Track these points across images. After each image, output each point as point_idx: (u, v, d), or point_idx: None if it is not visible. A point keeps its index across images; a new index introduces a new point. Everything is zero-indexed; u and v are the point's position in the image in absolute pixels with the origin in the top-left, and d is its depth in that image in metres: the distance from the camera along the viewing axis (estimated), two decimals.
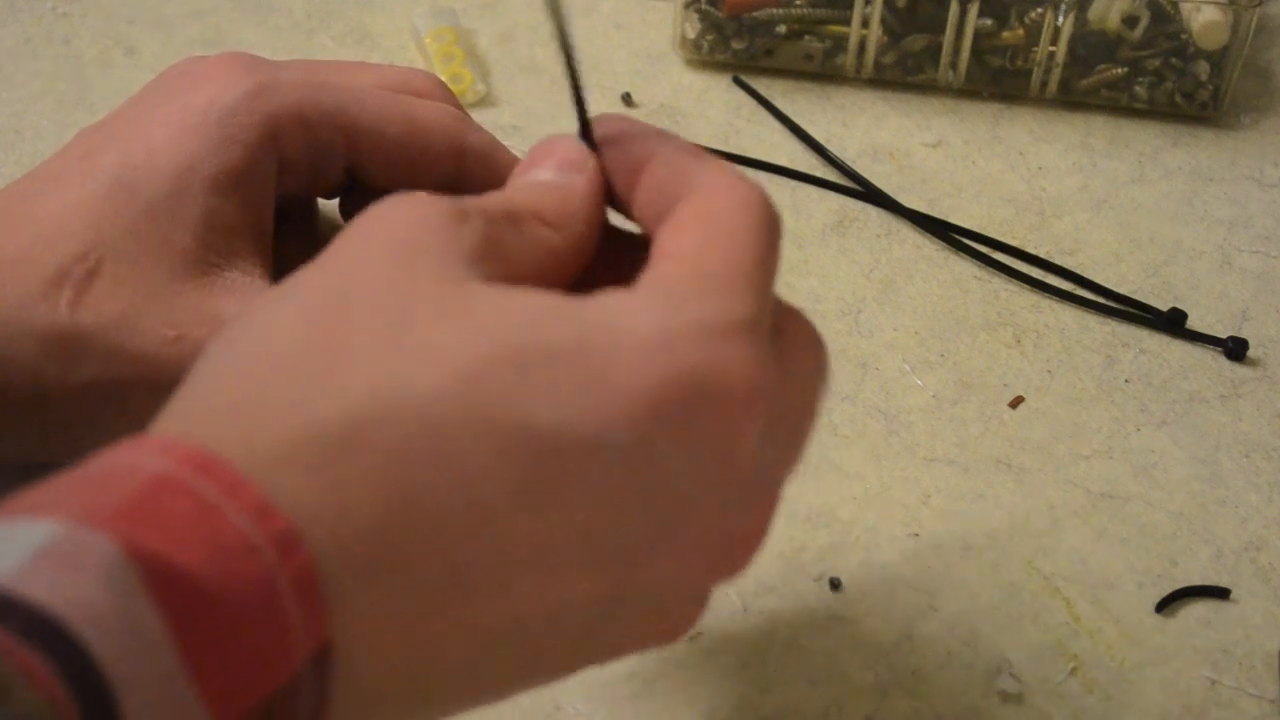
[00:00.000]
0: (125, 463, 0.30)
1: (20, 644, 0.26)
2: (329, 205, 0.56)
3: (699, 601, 0.38)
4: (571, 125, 0.39)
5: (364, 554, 0.31)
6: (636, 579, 0.35)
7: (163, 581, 0.28)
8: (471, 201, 0.36)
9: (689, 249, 0.35)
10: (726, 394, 0.33)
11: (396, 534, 0.31)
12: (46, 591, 0.27)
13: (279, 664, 0.30)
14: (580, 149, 0.39)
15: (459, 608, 0.33)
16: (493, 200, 0.37)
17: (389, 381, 0.32)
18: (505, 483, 0.32)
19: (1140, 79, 0.65)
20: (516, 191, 0.38)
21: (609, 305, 0.34)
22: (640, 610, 0.36)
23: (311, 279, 0.35)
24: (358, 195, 0.53)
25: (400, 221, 0.35)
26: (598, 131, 0.40)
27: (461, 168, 0.49)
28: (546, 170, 0.39)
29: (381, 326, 0.33)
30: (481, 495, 0.32)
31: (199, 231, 0.45)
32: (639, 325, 0.33)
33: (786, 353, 0.36)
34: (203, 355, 0.34)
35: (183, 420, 0.32)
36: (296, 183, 0.48)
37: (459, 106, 0.52)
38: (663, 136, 0.39)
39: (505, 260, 0.35)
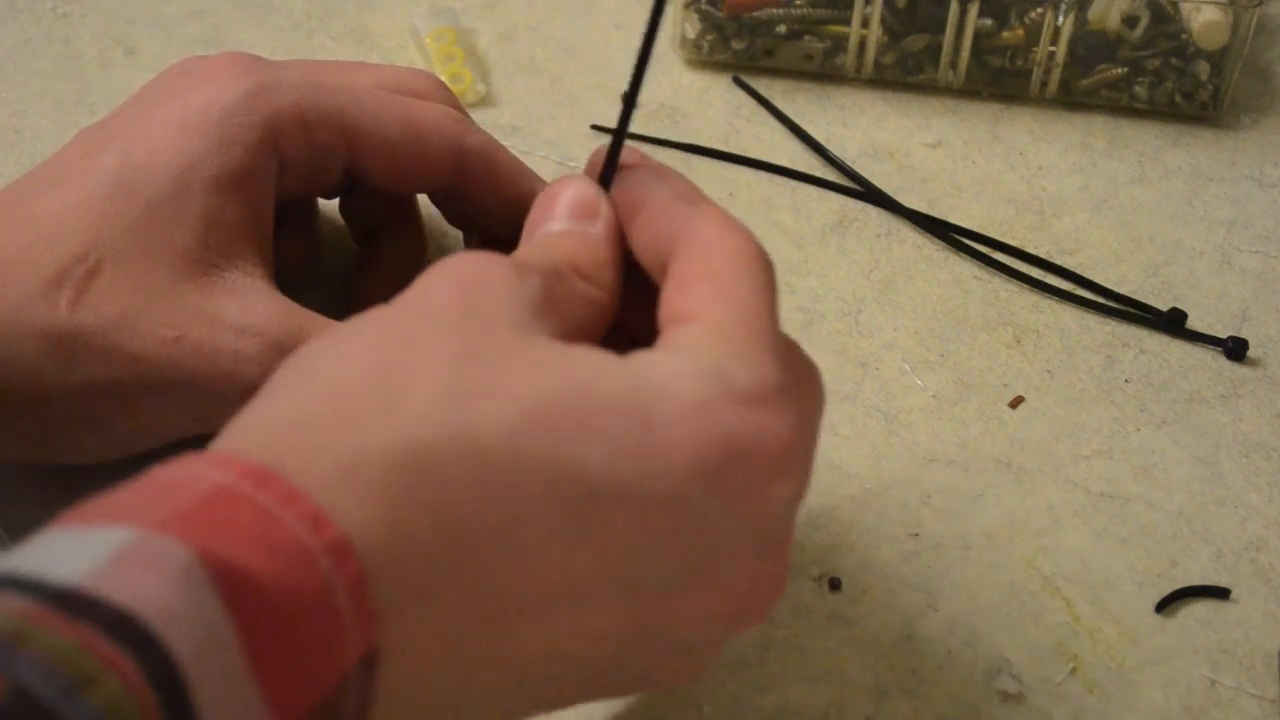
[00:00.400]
0: (188, 475, 0.32)
1: (103, 639, 0.27)
2: (329, 205, 0.56)
3: (716, 646, 0.39)
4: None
5: (413, 573, 0.32)
6: (664, 619, 0.36)
7: (230, 583, 0.29)
8: (524, 257, 0.38)
9: (705, 312, 0.37)
10: (761, 456, 0.35)
11: (445, 558, 0.33)
12: (125, 592, 0.28)
13: (333, 666, 0.31)
14: (593, 191, 0.41)
15: (498, 633, 0.34)
16: (536, 256, 0.39)
17: (452, 416, 0.33)
18: (550, 520, 0.33)
19: (1140, 79, 0.65)
20: (547, 247, 0.40)
21: (652, 366, 0.35)
22: (664, 648, 0.37)
23: (383, 316, 0.36)
24: (358, 196, 0.53)
25: (469, 271, 0.36)
26: (595, 161, 0.41)
27: (461, 169, 0.49)
28: (563, 219, 0.40)
29: (449, 364, 0.34)
30: (528, 530, 0.33)
31: (199, 232, 0.45)
32: (680, 390, 0.35)
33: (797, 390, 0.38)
34: (270, 379, 0.35)
35: (242, 438, 0.34)
36: (296, 183, 0.48)
37: (459, 107, 0.52)
38: (660, 176, 0.41)
39: (560, 313, 0.37)
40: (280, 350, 0.44)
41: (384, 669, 0.32)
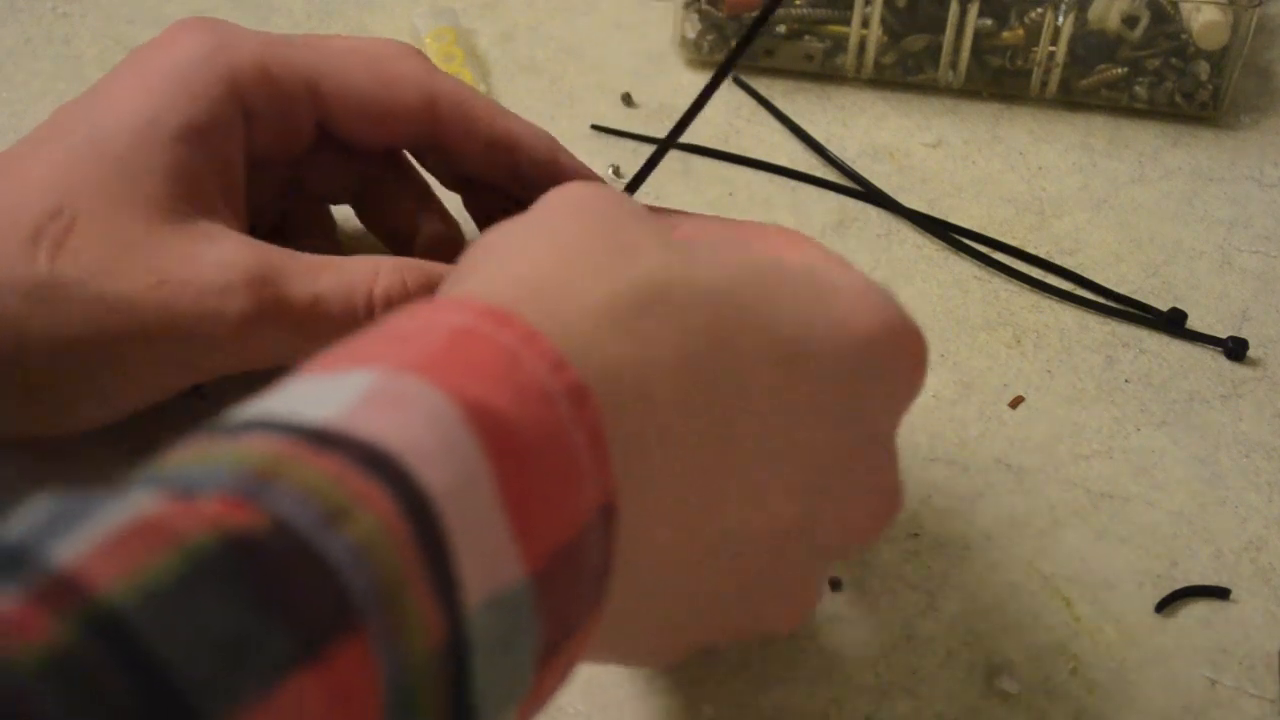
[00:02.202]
0: (426, 319, 0.32)
1: (356, 473, 0.27)
2: (344, 213, 0.56)
3: (822, 577, 0.42)
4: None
5: (657, 408, 0.34)
6: (821, 510, 0.38)
7: (482, 420, 0.30)
8: None
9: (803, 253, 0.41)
10: (916, 344, 0.39)
11: (684, 394, 0.34)
12: (376, 429, 0.28)
13: (575, 509, 0.31)
14: None
15: (717, 486, 0.35)
16: None
17: (680, 265, 0.35)
18: (765, 369, 0.36)
19: (1140, 79, 0.65)
20: None
21: (810, 259, 0.40)
22: (804, 553, 0.39)
23: (548, 208, 0.38)
24: (375, 196, 0.53)
25: (594, 185, 0.39)
26: None
27: (435, 117, 0.49)
28: None
29: (651, 234, 0.36)
30: (749, 376, 0.36)
31: (167, 182, 0.45)
32: (847, 277, 0.39)
33: None
34: (465, 255, 0.37)
35: (473, 286, 0.34)
36: (267, 136, 0.49)
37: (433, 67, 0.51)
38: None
39: None
40: (264, 283, 0.44)
41: (622, 519, 0.33)
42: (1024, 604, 0.49)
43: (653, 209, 0.45)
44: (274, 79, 0.48)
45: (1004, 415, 0.55)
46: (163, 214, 0.45)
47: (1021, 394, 0.55)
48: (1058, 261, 0.60)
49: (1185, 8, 0.63)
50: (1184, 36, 0.64)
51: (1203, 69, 0.64)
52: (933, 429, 0.54)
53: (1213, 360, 0.57)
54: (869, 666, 0.47)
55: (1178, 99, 0.65)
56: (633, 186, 0.43)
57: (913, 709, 0.46)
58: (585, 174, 0.51)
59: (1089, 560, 0.50)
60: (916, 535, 0.51)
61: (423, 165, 0.53)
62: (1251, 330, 0.58)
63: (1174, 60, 0.64)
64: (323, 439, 0.28)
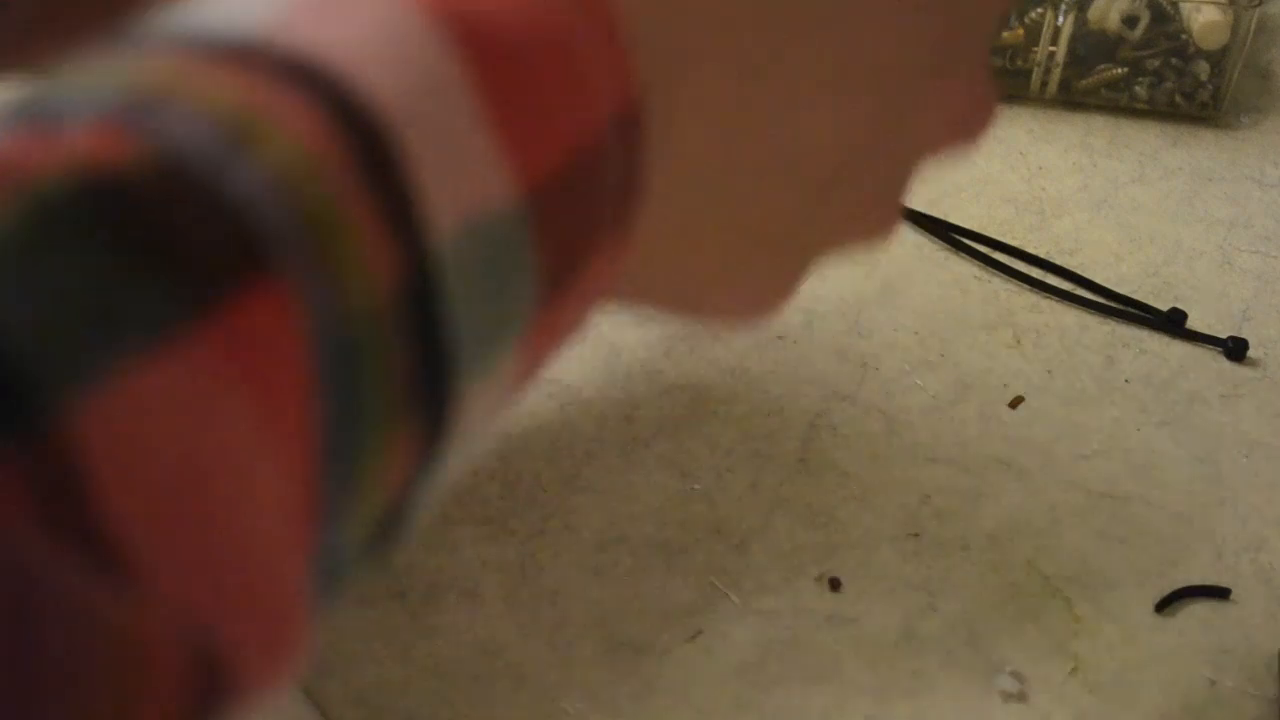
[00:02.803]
0: None
1: (273, 89, 0.22)
2: None
3: (910, 178, 0.37)
4: None
5: (685, 22, 0.29)
6: (912, 107, 0.34)
7: (450, 19, 0.24)
8: None
9: None
10: None
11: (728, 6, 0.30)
12: (303, 36, 0.23)
13: (582, 119, 0.26)
14: None
15: (776, 82, 0.31)
16: None
17: None
18: None
19: (1140, 79, 0.65)
20: None
21: None
22: (892, 156, 0.35)
23: None
24: None
25: None
26: None
27: None
28: None
29: None
30: None
31: None
32: None
33: None
34: None
35: None
36: None
37: None
38: None
39: None
40: None
41: (650, 128, 0.28)
42: (1024, 604, 0.49)
43: None
44: None
45: (1004, 415, 0.55)
46: None
47: (1021, 394, 0.55)
48: (1058, 261, 0.60)
49: (1185, 8, 0.63)
50: (1184, 36, 0.64)
51: (1203, 69, 0.64)
52: (933, 429, 0.54)
53: (1213, 360, 0.57)
54: (869, 666, 0.47)
55: (1178, 99, 0.65)
56: None
57: (913, 709, 0.46)
58: None
59: (1089, 560, 0.50)
60: (916, 535, 0.51)
61: None
62: (1251, 330, 0.58)
63: (1174, 60, 0.64)
64: (233, 50, 0.22)
